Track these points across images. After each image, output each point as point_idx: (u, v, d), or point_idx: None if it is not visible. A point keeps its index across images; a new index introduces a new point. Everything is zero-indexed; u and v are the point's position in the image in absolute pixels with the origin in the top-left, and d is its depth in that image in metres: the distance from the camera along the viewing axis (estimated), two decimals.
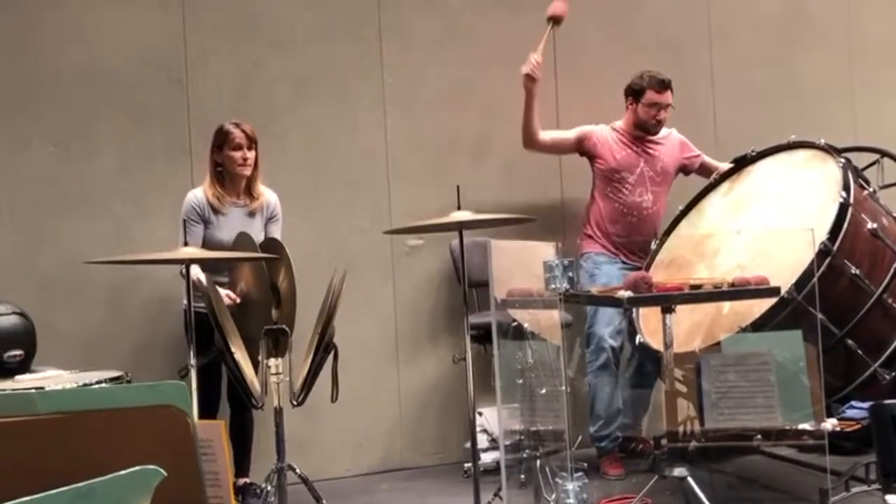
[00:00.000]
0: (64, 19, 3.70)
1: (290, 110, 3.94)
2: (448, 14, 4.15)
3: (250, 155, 3.45)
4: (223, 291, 3.25)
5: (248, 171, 3.46)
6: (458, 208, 3.20)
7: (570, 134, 3.93)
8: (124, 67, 3.74)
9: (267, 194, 3.56)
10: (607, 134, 3.91)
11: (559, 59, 4.18)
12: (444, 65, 4.13)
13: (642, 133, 3.90)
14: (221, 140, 3.44)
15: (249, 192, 3.51)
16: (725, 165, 3.89)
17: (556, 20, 3.81)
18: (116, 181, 3.72)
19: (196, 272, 3.19)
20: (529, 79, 3.77)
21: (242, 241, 3.25)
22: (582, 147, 3.93)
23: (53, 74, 3.68)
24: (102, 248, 3.49)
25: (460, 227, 3.19)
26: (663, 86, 3.82)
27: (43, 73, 3.68)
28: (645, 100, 3.83)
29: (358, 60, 4.02)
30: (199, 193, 3.46)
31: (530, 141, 3.87)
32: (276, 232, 3.55)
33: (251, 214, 3.50)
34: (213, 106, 3.78)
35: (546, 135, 3.89)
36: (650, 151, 3.92)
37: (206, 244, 3.37)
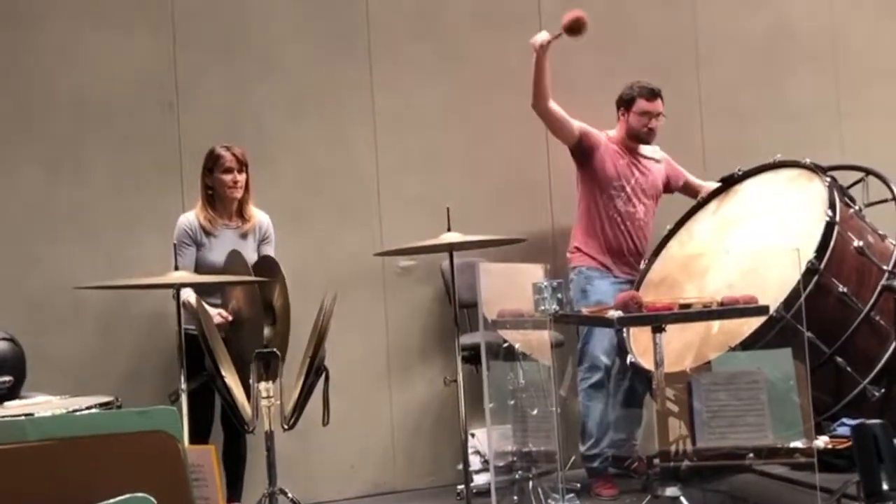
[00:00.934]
0: (54, 43, 3.72)
1: (281, 133, 3.96)
2: (438, 36, 4.19)
3: (241, 178, 3.47)
4: (214, 311, 3.25)
5: (238, 194, 3.48)
6: (449, 230, 3.22)
7: (574, 123, 3.88)
8: (115, 91, 3.76)
9: (259, 216, 3.57)
10: (605, 141, 3.93)
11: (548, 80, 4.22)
12: (434, 87, 4.16)
13: (635, 143, 3.93)
14: (212, 163, 3.46)
15: (241, 214, 3.53)
16: (710, 184, 3.93)
17: (575, 29, 3.66)
18: (107, 205, 3.72)
19: (188, 295, 3.19)
20: (540, 49, 3.71)
21: (234, 259, 3.25)
22: (581, 142, 3.88)
23: (44, 98, 3.70)
24: (93, 272, 3.49)
25: (450, 248, 3.20)
26: (653, 94, 3.87)
27: (33, 96, 3.69)
28: (636, 108, 3.87)
29: (349, 83, 4.05)
30: (191, 217, 3.47)
31: (539, 101, 3.79)
32: (270, 252, 3.56)
33: (243, 236, 3.52)
34: (203, 129, 3.79)
35: (555, 106, 3.82)
36: (642, 165, 3.96)
37: (199, 267, 3.38)
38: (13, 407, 2.65)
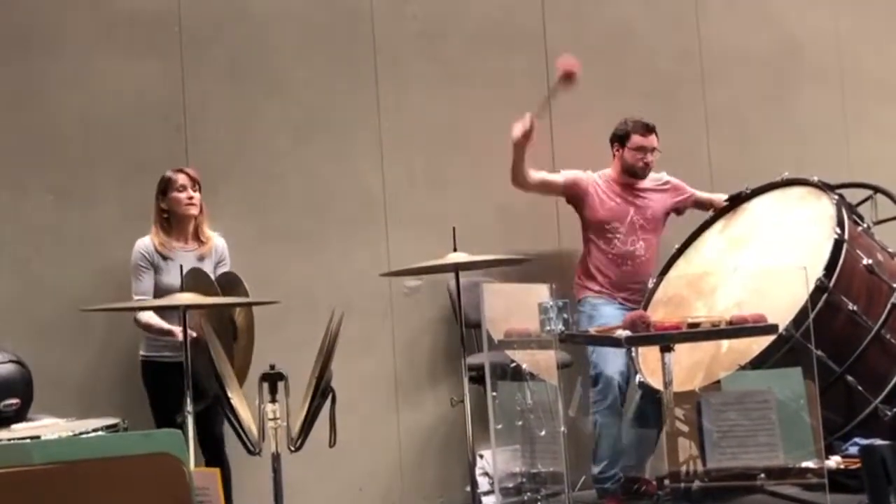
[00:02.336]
0: (63, 67, 3.75)
1: (288, 155, 3.98)
2: (443, 58, 4.21)
3: (195, 195, 3.47)
4: (177, 329, 3.22)
5: (194, 211, 3.47)
6: (455, 250, 3.22)
7: (559, 178, 3.94)
8: (123, 115, 3.79)
9: (215, 238, 3.56)
10: (596, 183, 3.94)
11: (553, 100, 4.23)
12: (440, 107, 4.17)
13: (631, 179, 3.94)
14: (165, 185, 3.48)
15: (197, 236, 3.52)
16: (719, 195, 3.91)
17: (568, 77, 3.61)
18: (115, 228, 3.73)
19: (150, 317, 3.19)
20: (523, 138, 3.70)
21: (196, 277, 3.21)
22: (569, 192, 3.95)
23: (53, 122, 3.72)
24: (100, 295, 3.50)
25: (456, 268, 3.20)
26: (647, 129, 3.88)
27: (43, 120, 3.72)
28: (630, 144, 3.88)
29: (355, 104, 4.07)
30: (146, 241, 3.47)
31: (518, 181, 3.85)
32: None
33: (200, 258, 3.49)
34: (211, 152, 3.81)
35: (535, 175, 3.87)
36: (639, 199, 3.95)
37: (156, 290, 3.38)
38: (20, 430, 2.64)
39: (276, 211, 3.86)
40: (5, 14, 3.71)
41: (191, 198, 3.45)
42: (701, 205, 4.03)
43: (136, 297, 3.35)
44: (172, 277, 3.35)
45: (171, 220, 3.48)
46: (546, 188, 3.93)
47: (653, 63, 4.44)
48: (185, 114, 3.85)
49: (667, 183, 4.04)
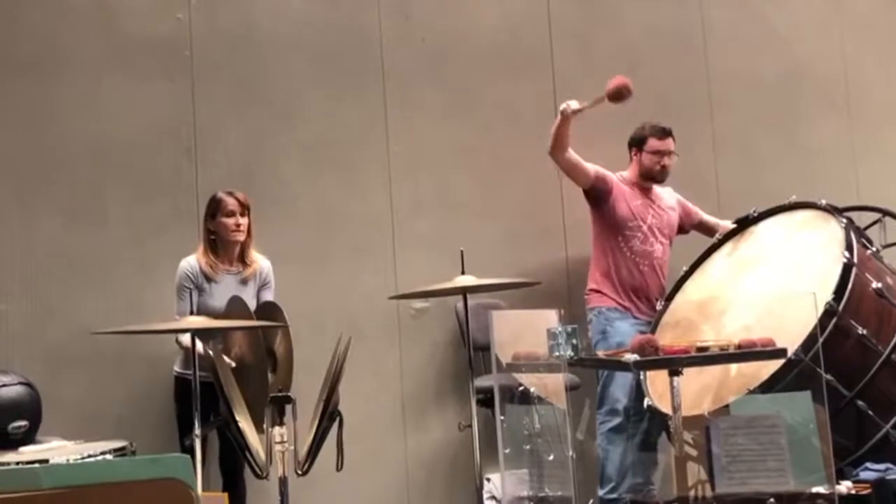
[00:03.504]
0: (75, 92, 3.79)
1: (297, 178, 4.00)
2: (451, 82, 4.23)
3: (243, 221, 3.48)
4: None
5: (241, 237, 3.49)
6: (463, 272, 3.22)
7: (590, 167, 3.90)
8: (134, 138, 3.82)
9: (260, 261, 3.57)
10: (619, 183, 3.95)
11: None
12: (448, 131, 4.20)
13: (648, 183, 3.96)
14: (214, 208, 3.49)
15: (243, 259, 3.53)
16: (726, 223, 3.92)
17: (619, 96, 3.67)
18: (126, 251, 3.75)
19: (188, 340, 3.19)
20: (574, 112, 3.72)
21: (235, 304, 3.25)
22: (596, 186, 3.89)
23: (64, 145, 3.76)
24: (111, 318, 3.51)
25: (464, 291, 3.20)
26: (664, 133, 3.92)
27: (54, 143, 3.75)
28: (648, 147, 3.91)
29: (364, 128, 4.10)
30: (192, 261, 3.48)
31: (558, 152, 3.81)
32: (269, 298, 3.56)
33: (244, 282, 3.52)
34: (222, 175, 3.84)
35: (572, 153, 3.84)
36: (656, 206, 3.97)
37: (199, 312, 3.38)
38: (28, 452, 2.65)
39: (284, 234, 3.87)
40: (17, 37, 3.76)
41: (238, 224, 3.46)
42: (706, 228, 4.03)
43: (177, 318, 3.36)
44: (215, 300, 3.38)
45: (218, 242, 3.49)
46: (575, 170, 3.88)
47: (660, 86, 4.46)
48: (196, 137, 3.88)
49: (674, 197, 4.07)
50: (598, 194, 3.92)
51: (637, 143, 3.95)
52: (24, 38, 3.77)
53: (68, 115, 3.78)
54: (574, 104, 3.72)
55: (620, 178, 3.97)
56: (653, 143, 3.91)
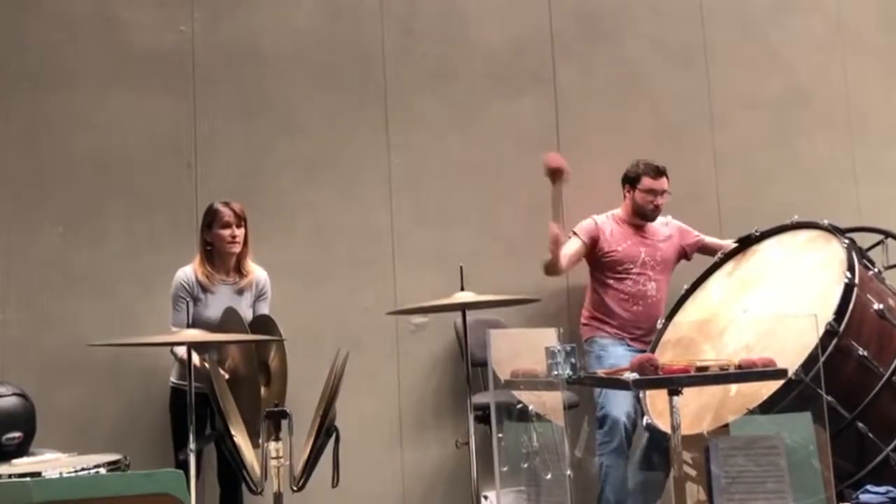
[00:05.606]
0: (76, 104, 3.80)
1: (298, 192, 4.00)
2: (452, 97, 4.24)
3: (239, 233, 3.48)
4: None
5: (236, 249, 3.49)
6: (462, 289, 3.21)
7: (577, 244, 3.87)
8: (134, 151, 3.82)
9: (257, 272, 3.57)
10: (609, 224, 3.94)
11: (563, 141, 4.26)
12: (449, 146, 4.20)
13: (641, 220, 3.95)
14: (210, 219, 3.49)
15: (239, 269, 3.52)
16: (728, 242, 3.91)
17: (556, 174, 3.61)
18: (124, 263, 3.75)
19: (184, 351, 3.17)
20: (555, 239, 3.69)
21: (230, 317, 3.23)
22: (595, 246, 3.91)
23: (64, 157, 3.76)
24: (107, 330, 3.51)
25: (463, 308, 3.19)
26: (658, 172, 3.90)
27: (54, 155, 3.76)
28: (641, 186, 3.90)
29: (365, 143, 4.10)
30: (188, 271, 3.48)
31: (554, 273, 3.81)
32: (265, 310, 3.55)
33: (239, 292, 3.51)
34: (221, 188, 3.83)
35: (564, 259, 3.81)
36: (649, 241, 3.95)
37: (194, 322, 3.37)
38: (21, 464, 2.63)
39: (284, 247, 3.87)
40: (19, 51, 3.77)
41: (234, 236, 3.46)
42: (709, 250, 4.02)
43: (173, 329, 3.35)
44: (211, 310, 3.37)
45: (214, 253, 3.49)
46: (575, 260, 3.89)
47: (661, 105, 4.47)
48: (196, 151, 3.88)
49: (672, 226, 4.05)
50: (595, 249, 3.91)
51: (631, 181, 3.93)
52: (27, 50, 3.78)
53: (69, 127, 3.78)
54: (553, 230, 3.66)
55: (611, 217, 3.96)
56: (647, 181, 3.89)
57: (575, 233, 3.92)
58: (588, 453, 3.75)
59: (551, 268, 3.79)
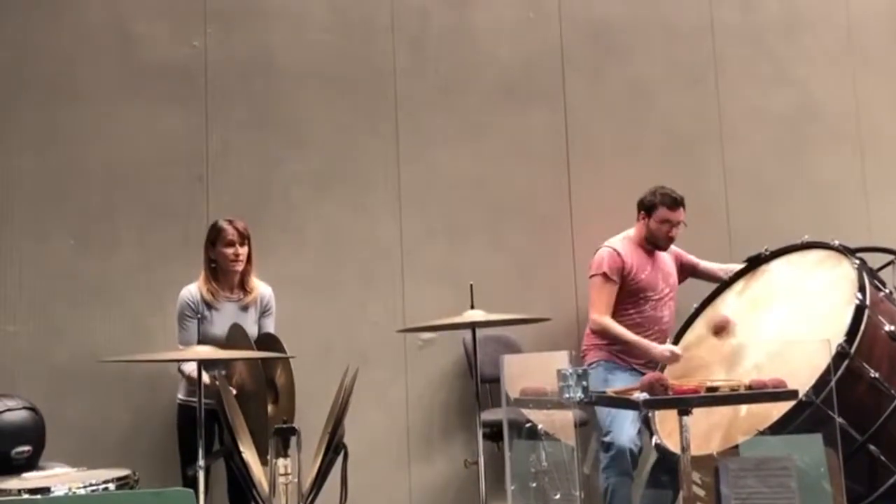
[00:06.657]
0: (89, 116, 3.82)
1: (308, 206, 4.00)
2: (463, 113, 4.25)
3: (242, 251, 3.47)
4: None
5: (239, 267, 3.49)
6: (472, 307, 3.20)
7: (614, 285, 3.80)
8: (147, 164, 3.84)
9: (261, 288, 3.57)
10: (628, 250, 3.87)
11: (572, 156, 4.26)
12: (459, 161, 4.20)
13: (652, 248, 3.92)
14: (214, 236, 3.49)
15: (243, 286, 3.52)
16: (729, 266, 3.88)
17: (721, 329, 3.54)
18: (134, 275, 3.76)
19: (192, 368, 3.17)
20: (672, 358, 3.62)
21: (236, 333, 3.23)
22: (625, 279, 3.83)
23: (77, 169, 3.78)
24: (118, 343, 3.51)
25: (473, 326, 3.18)
26: (676, 204, 3.85)
27: (66, 167, 3.77)
28: (657, 216, 3.86)
29: (375, 157, 4.11)
30: (192, 289, 3.48)
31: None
32: (270, 325, 3.56)
33: (244, 308, 3.51)
34: (232, 202, 3.85)
35: (610, 309, 3.78)
36: (662, 266, 3.93)
37: (200, 339, 3.38)
38: (31, 478, 2.63)
39: (293, 261, 3.87)
40: (34, 61, 3.79)
41: (237, 255, 3.45)
42: (706, 276, 3.99)
43: (180, 347, 3.35)
44: (216, 327, 3.37)
45: (218, 270, 3.49)
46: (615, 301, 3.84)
47: (671, 121, 4.46)
48: (208, 164, 3.89)
49: (672, 251, 4.02)
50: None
51: (647, 209, 3.88)
52: (42, 61, 3.81)
53: (82, 139, 3.80)
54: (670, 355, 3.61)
55: (627, 240, 3.90)
56: (663, 212, 3.84)
57: (609, 277, 3.80)
58: (595, 471, 3.73)
59: (617, 339, 3.77)
